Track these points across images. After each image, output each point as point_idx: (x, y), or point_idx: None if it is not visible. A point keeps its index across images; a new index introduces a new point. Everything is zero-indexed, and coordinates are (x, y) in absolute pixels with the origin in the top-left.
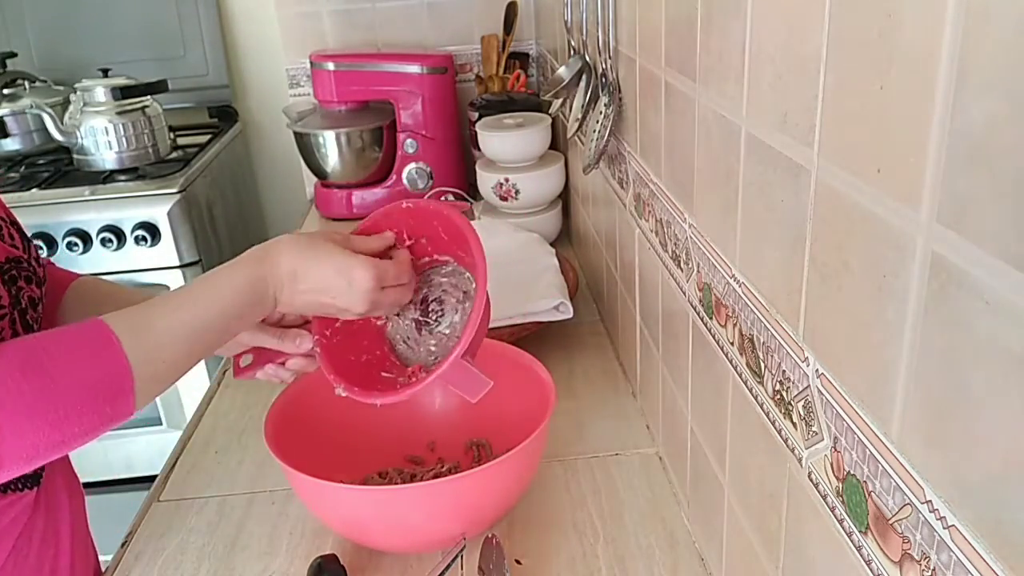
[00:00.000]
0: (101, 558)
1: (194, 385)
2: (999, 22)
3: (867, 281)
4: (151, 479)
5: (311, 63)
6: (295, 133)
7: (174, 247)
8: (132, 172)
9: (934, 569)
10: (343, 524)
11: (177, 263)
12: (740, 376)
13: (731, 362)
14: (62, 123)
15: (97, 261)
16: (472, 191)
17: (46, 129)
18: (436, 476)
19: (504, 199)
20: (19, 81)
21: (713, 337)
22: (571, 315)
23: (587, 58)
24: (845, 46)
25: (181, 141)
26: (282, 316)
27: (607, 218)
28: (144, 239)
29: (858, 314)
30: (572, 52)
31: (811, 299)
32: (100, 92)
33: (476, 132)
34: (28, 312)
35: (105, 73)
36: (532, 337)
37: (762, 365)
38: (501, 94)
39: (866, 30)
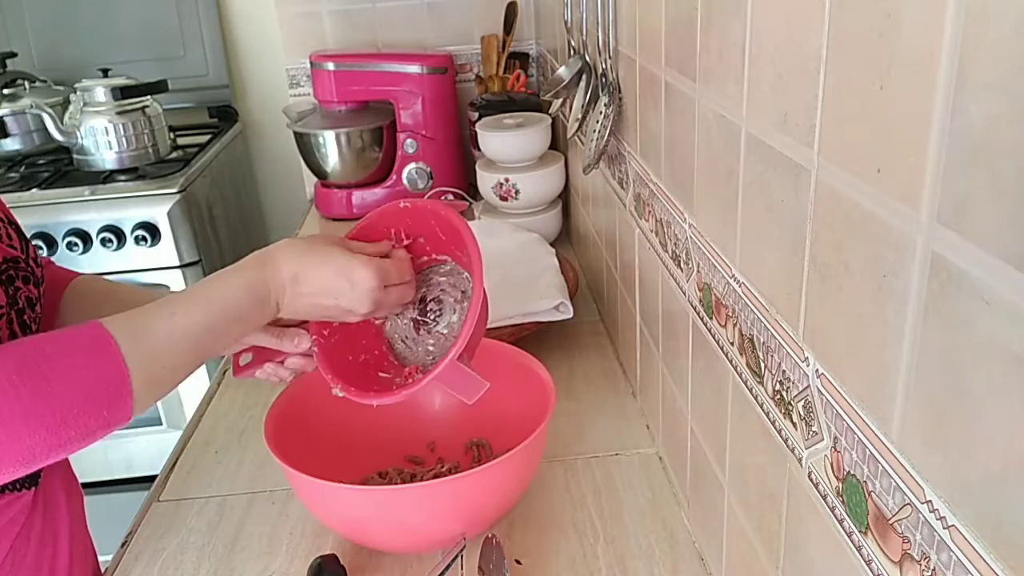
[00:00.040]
0: (101, 558)
1: (194, 385)
2: (999, 22)
3: (867, 281)
4: (151, 479)
5: (311, 63)
6: (295, 133)
7: (174, 247)
8: (132, 172)
9: (934, 569)
10: (343, 524)
11: (177, 263)
12: (740, 376)
13: (731, 362)
14: (62, 123)
15: (97, 261)
16: (472, 191)
17: (46, 129)
18: (436, 476)
19: (504, 199)
20: (19, 81)
21: (713, 337)
22: (571, 315)
23: (587, 58)
24: (845, 46)
25: (181, 141)
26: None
27: (607, 218)
28: (144, 239)
29: (858, 314)
30: (572, 52)
31: (811, 299)
32: (100, 92)
33: (476, 132)
34: (26, 312)
35: (105, 73)
36: (532, 337)
37: (762, 365)
38: (501, 94)
39: (866, 30)
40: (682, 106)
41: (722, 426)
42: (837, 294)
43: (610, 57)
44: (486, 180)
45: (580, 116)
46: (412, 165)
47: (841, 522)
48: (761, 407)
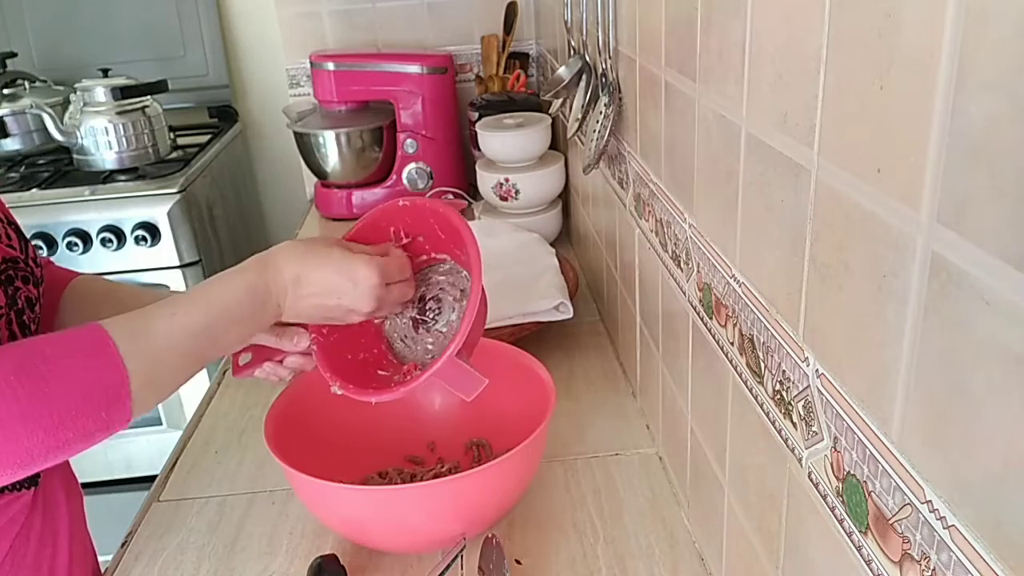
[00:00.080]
0: (101, 558)
1: (194, 385)
2: (999, 22)
3: (867, 281)
4: (151, 479)
5: (311, 63)
6: (295, 133)
7: (174, 247)
8: (132, 172)
9: (934, 569)
10: (343, 524)
11: (177, 263)
12: (740, 376)
13: (731, 362)
14: (62, 123)
15: (97, 261)
16: (472, 191)
17: (46, 129)
18: (436, 476)
19: (504, 199)
20: (19, 81)
21: (713, 337)
22: (571, 315)
23: (587, 58)
24: (845, 46)
25: (181, 141)
26: None
27: (607, 218)
28: (144, 239)
29: (858, 314)
30: (572, 52)
31: (811, 299)
32: (100, 92)
33: (476, 132)
34: (25, 312)
35: (105, 73)
36: (532, 337)
37: (762, 365)
38: (501, 94)
39: (866, 30)
40: (682, 106)
41: (722, 426)
42: (837, 294)
43: (610, 57)
44: (486, 180)
45: (580, 116)
46: (412, 165)
47: (841, 522)
48: (761, 407)
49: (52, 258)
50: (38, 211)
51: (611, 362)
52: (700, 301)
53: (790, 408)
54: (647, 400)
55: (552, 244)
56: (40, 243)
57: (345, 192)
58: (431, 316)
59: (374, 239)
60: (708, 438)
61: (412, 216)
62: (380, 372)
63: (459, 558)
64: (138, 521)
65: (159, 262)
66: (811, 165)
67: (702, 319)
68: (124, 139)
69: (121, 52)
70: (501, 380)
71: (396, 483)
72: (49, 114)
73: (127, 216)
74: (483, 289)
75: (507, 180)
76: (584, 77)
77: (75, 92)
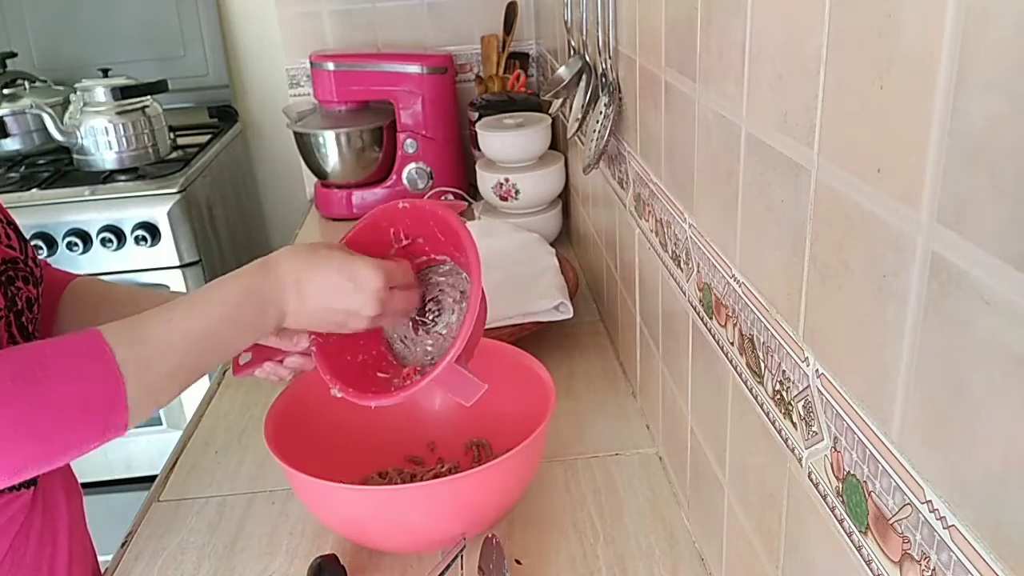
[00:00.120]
0: (101, 558)
1: (194, 385)
2: (999, 22)
3: (867, 281)
4: (151, 479)
5: (311, 63)
6: (295, 133)
7: (174, 247)
8: (132, 172)
9: (934, 569)
10: (343, 524)
11: (177, 263)
12: (740, 376)
13: (731, 362)
14: (62, 123)
15: (97, 261)
16: (472, 191)
17: (46, 129)
18: (436, 476)
19: (504, 199)
20: (19, 81)
21: (713, 337)
22: (571, 315)
23: (587, 58)
24: (845, 46)
25: (181, 141)
26: None
27: (607, 218)
28: (144, 239)
29: (858, 314)
30: (572, 52)
31: (811, 299)
32: (100, 92)
33: (476, 132)
34: (24, 313)
35: (105, 73)
36: (532, 337)
37: (762, 365)
38: (501, 94)
39: (866, 30)
40: (682, 106)
41: (722, 426)
42: (837, 294)
43: (610, 57)
44: (486, 180)
45: (580, 116)
46: (412, 165)
47: (841, 522)
48: (761, 407)
49: (52, 258)
50: (38, 211)
51: (611, 362)
52: (700, 301)
53: (790, 408)
54: (647, 400)
55: (552, 244)
56: (40, 243)
57: (345, 192)
58: (431, 318)
59: (374, 241)
60: (708, 438)
61: (411, 218)
62: (380, 374)
63: (459, 558)
64: (138, 521)
65: (159, 262)
66: (811, 165)
67: (702, 319)
68: (124, 139)
69: (121, 52)
70: (501, 380)
71: (396, 483)
72: (49, 114)
73: (127, 216)
74: (484, 294)
75: (507, 180)
76: (584, 77)
77: (75, 92)
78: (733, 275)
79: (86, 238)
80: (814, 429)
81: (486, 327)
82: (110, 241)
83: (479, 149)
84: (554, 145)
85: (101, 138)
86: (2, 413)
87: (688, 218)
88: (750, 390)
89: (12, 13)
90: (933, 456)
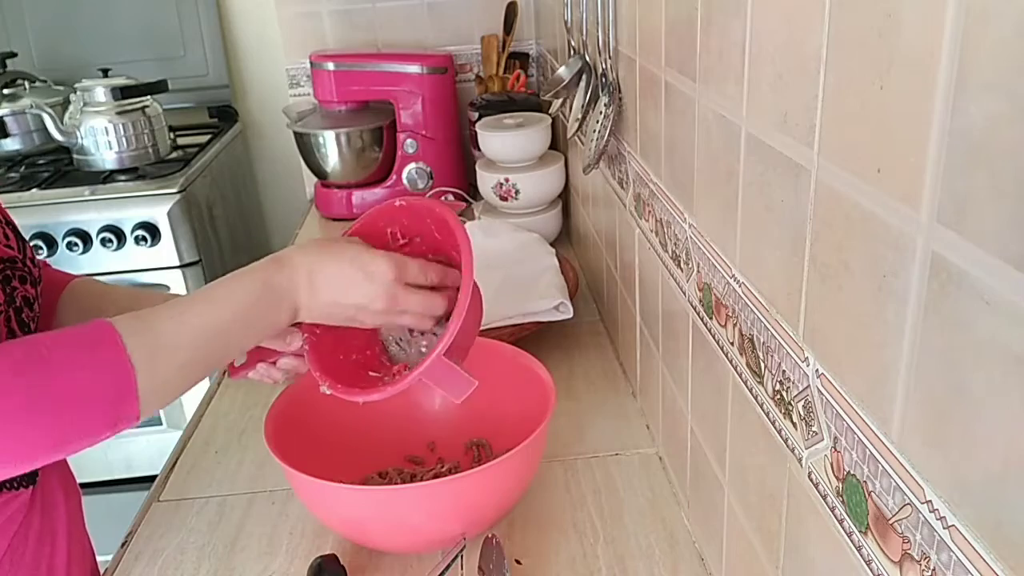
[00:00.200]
0: (101, 558)
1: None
2: (999, 22)
3: (867, 281)
4: (151, 479)
5: (311, 63)
6: (295, 133)
7: (174, 247)
8: (132, 172)
9: (934, 569)
10: (343, 524)
11: (177, 263)
12: (740, 376)
13: (731, 362)
14: (62, 123)
15: (97, 261)
16: (472, 191)
17: (46, 129)
18: (436, 476)
19: (504, 199)
20: (19, 81)
21: (713, 337)
22: (571, 315)
23: (587, 58)
24: (845, 46)
25: (181, 141)
26: None
27: (607, 218)
28: (144, 239)
29: (858, 314)
30: (572, 52)
31: (811, 299)
32: (100, 92)
33: (476, 132)
34: (23, 311)
35: (105, 73)
36: (532, 337)
37: (762, 365)
38: (501, 94)
39: (866, 30)
40: (682, 106)
41: (722, 426)
42: (837, 294)
43: (610, 57)
44: (486, 180)
45: (580, 116)
46: (412, 165)
47: (841, 522)
48: (761, 407)
49: (52, 258)
50: (38, 211)
51: (611, 362)
52: (700, 301)
53: (790, 408)
54: (647, 400)
55: (552, 244)
56: (40, 243)
57: (345, 192)
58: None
59: (372, 241)
60: (708, 438)
61: (409, 217)
62: (371, 373)
63: (459, 558)
64: (138, 521)
65: (159, 262)
66: (811, 165)
67: (702, 319)
68: (124, 139)
69: (121, 52)
70: (501, 380)
71: (396, 483)
72: (49, 114)
73: (127, 216)
74: (479, 292)
75: (507, 180)
76: (584, 77)
77: (75, 92)
78: (733, 275)
79: (86, 238)
80: (814, 429)
81: (487, 327)
82: (110, 241)
83: (479, 149)
84: (554, 145)
85: (101, 138)
86: (12, 400)
87: (688, 218)
88: (750, 390)
89: (12, 13)
90: (933, 456)
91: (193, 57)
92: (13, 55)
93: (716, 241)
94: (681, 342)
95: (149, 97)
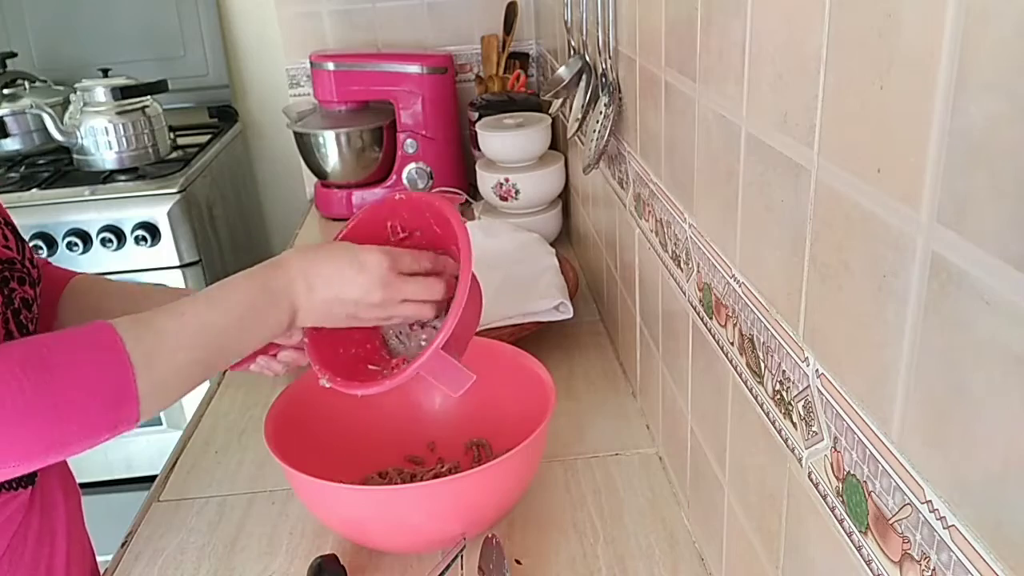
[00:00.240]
0: (101, 558)
1: None
2: (999, 22)
3: (867, 281)
4: (151, 479)
5: (311, 63)
6: (295, 133)
7: (174, 247)
8: (132, 172)
9: (934, 569)
10: (343, 524)
11: (177, 263)
12: (740, 376)
13: (731, 362)
14: (62, 123)
15: (97, 261)
16: (472, 191)
17: (46, 129)
18: (436, 476)
19: (504, 199)
20: (19, 81)
21: (713, 337)
22: (571, 315)
23: (587, 58)
24: (845, 46)
25: (181, 141)
26: None
27: (607, 218)
28: (144, 239)
29: (858, 314)
30: (572, 52)
31: (811, 299)
32: (100, 92)
33: (476, 132)
34: (22, 312)
35: (105, 73)
36: (532, 337)
37: (762, 365)
38: (501, 94)
39: (866, 30)
40: (682, 106)
41: (722, 426)
42: (837, 294)
43: (610, 57)
44: (486, 180)
45: (580, 116)
46: (412, 165)
47: (841, 522)
48: (761, 407)
49: (52, 258)
50: (38, 211)
51: (611, 362)
52: (700, 301)
53: (790, 408)
54: (647, 400)
55: (552, 244)
56: (40, 243)
57: (345, 192)
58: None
59: (371, 235)
60: (708, 438)
61: (409, 210)
62: (370, 367)
63: (459, 558)
64: (138, 521)
65: (159, 262)
66: (811, 165)
67: (702, 319)
68: (124, 139)
69: (121, 52)
70: (501, 380)
71: (396, 483)
72: (49, 114)
73: (127, 216)
74: (479, 286)
75: (507, 180)
76: (584, 77)
77: (75, 92)
78: (733, 275)
79: (86, 238)
80: (814, 429)
81: (487, 327)
82: (110, 241)
83: (479, 149)
84: (554, 145)
85: (101, 138)
86: (12, 400)
87: (688, 218)
88: (750, 390)
89: (12, 13)
90: (933, 456)
91: (193, 57)
92: (13, 55)
93: (716, 241)
94: (681, 342)
95: (149, 97)
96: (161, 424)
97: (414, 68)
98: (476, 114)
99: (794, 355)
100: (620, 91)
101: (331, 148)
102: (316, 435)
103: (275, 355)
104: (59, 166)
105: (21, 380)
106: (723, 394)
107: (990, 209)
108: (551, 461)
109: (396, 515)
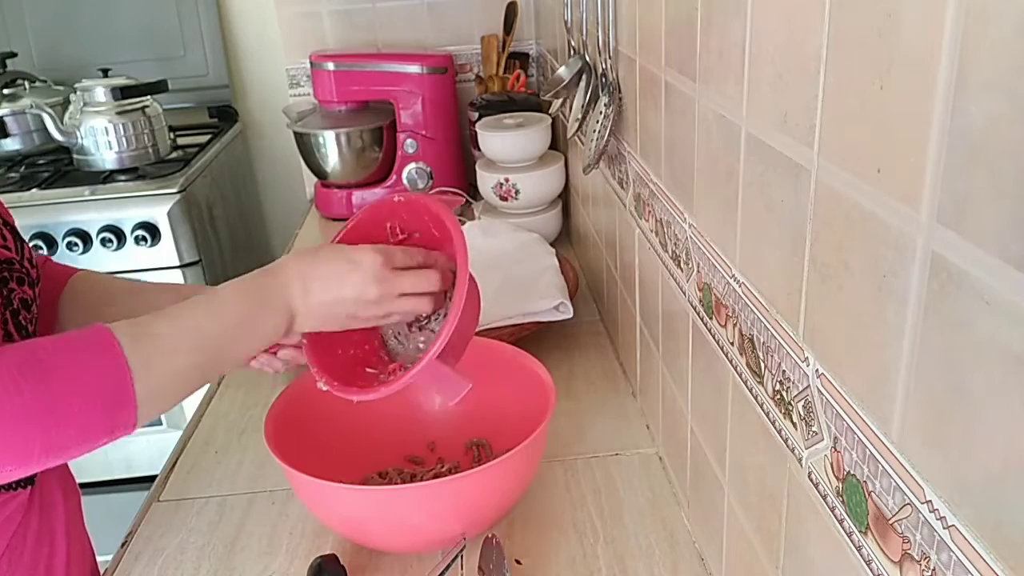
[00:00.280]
0: (101, 558)
1: None
2: (999, 22)
3: (867, 281)
4: (151, 479)
5: (311, 63)
6: (295, 133)
7: (174, 247)
8: (132, 172)
9: (934, 569)
10: (343, 524)
11: (177, 263)
12: (740, 376)
13: (731, 362)
14: (62, 123)
15: (97, 261)
16: (472, 191)
17: (46, 129)
18: (436, 476)
19: (504, 199)
20: (19, 81)
21: (713, 337)
22: (571, 315)
23: (587, 58)
24: (845, 46)
25: (181, 141)
26: None
27: (607, 218)
28: (144, 239)
29: (858, 314)
30: (572, 52)
31: (811, 299)
32: (100, 92)
33: (476, 132)
34: (21, 313)
35: (105, 73)
36: (532, 337)
37: (762, 365)
38: (501, 94)
39: (866, 30)
40: (682, 106)
41: (722, 426)
42: (837, 294)
43: (610, 57)
44: (486, 180)
45: (580, 116)
46: (412, 165)
47: (841, 522)
48: (761, 407)
49: (52, 258)
50: (38, 211)
51: (611, 362)
52: (700, 301)
53: (790, 408)
54: (647, 400)
55: (552, 244)
56: (40, 243)
57: (345, 192)
58: (424, 315)
59: (372, 235)
60: (708, 438)
61: (408, 212)
62: (368, 369)
63: (459, 558)
64: (138, 521)
65: (159, 262)
66: (811, 165)
67: (702, 319)
68: (124, 139)
69: (121, 52)
70: (501, 380)
71: (396, 483)
72: (49, 114)
73: (127, 216)
74: (477, 292)
75: (507, 180)
76: (584, 77)
77: (75, 92)
78: (733, 275)
79: (86, 238)
80: (814, 429)
81: (487, 327)
82: (110, 241)
83: (479, 149)
84: (554, 145)
85: (101, 138)
86: (10, 404)
87: (688, 218)
88: (750, 390)
89: (12, 13)
90: (933, 456)
91: (193, 57)
92: (13, 55)
93: (716, 241)
94: (681, 342)
95: (149, 97)
96: (161, 424)
97: (414, 68)
98: (476, 114)
99: (794, 355)
100: (620, 91)
101: (331, 148)
102: (316, 435)
103: (275, 352)
104: (59, 166)
105: (19, 384)
106: (723, 394)
107: (990, 209)
108: (551, 461)
109: (396, 515)
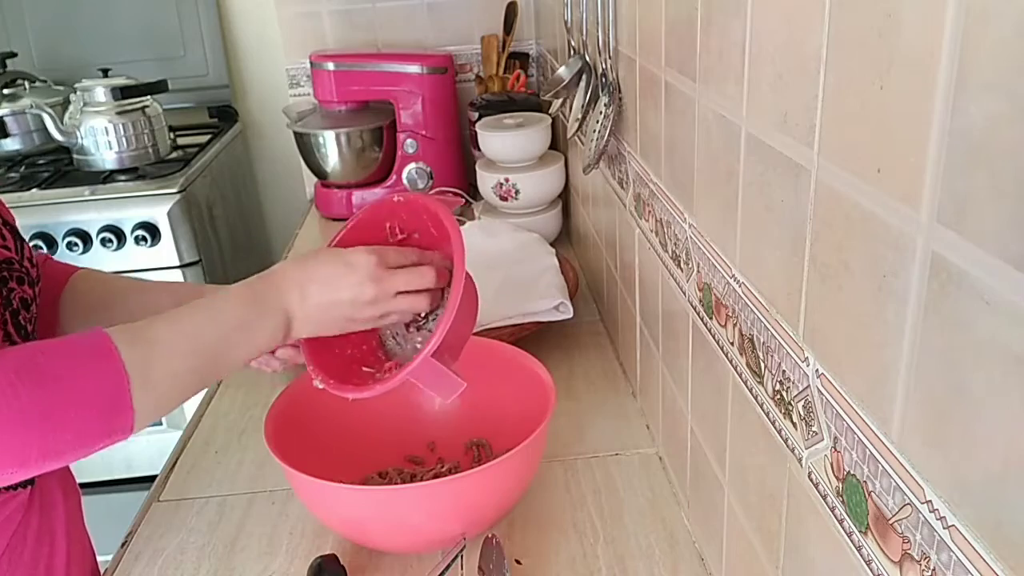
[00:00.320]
0: (101, 558)
1: None
2: (999, 22)
3: (867, 281)
4: (151, 479)
5: (311, 63)
6: (295, 133)
7: (174, 247)
8: (132, 172)
9: (934, 569)
10: (343, 524)
11: (177, 263)
12: (740, 376)
13: (731, 362)
14: (62, 123)
15: (97, 261)
16: (472, 191)
17: (46, 129)
18: (436, 476)
19: (504, 199)
20: (19, 81)
21: (713, 337)
22: (571, 315)
23: (587, 58)
24: (845, 46)
25: (181, 141)
26: None
27: (607, 218)
28: (144, 239)
29: (858, 314)
30: (572, 52)
31: (811, 299)
32: (100, 92)
33: (476, 132)
34: (20, 313)
35: (105, 73)
36: (532, 337)
37: (762, 365)
38: (501, 94)
39: (866, 30)
40: (682, 106)
41: (722, 426)
42: (837, 294)
43: (610, 57)
44: (486, 180)
45: (580, 116)
46: (412, 165)
47: (841, 522)
48: (761, 407)
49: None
50: (38, 211)
51: (611, 362)
52: (700, 301)
53: (790, 408)
54: (647, 400)
55: (552, 244)
56: (40, 243)
57: (345, 192)
58: (423, 315)
59: (371, 235)
60: (708, 438)
61: (407, 212)
62: (364, 368)
63: (459, 558)
64: (138, 521)
65: (159, 262)
66: (811, 165)
67: (702, 319)
68: (124, 139)
69: (121, 52)
70: (501, 380)
71: (396, 483)
72: (49, 114)
73: (127, 216)
74: (475, 292)
75: (507, 180)
76: (584, 77)
77: (75, 92)
78: (733, 275)
79: (86, 238)
80: (814, 429)
81: (487, 327)
82: (110, 241)
83: (479, 149)
84: (554, 145)
85: (101, 138)
86: (7, 407)
87: (688, 218)
88: (750, 390)
89: (12, 13)
90: (933, 456)
91: (193, 57)
92: (13, 55)
93: (716, 241)
94: (681, 342)
95: (149, 97)
96: (161, 424)
97: (414, 68)
98: (476, 114)
99: (794, 355)
100: (620, 91)
101: (331, 148)
102: (316, 435)
103: (273, 352)
104: (59, 166)
105: (16, 388)
106: (723, 394)
107: (990, 209)
108: (551, 461)
109: (396, 515)
